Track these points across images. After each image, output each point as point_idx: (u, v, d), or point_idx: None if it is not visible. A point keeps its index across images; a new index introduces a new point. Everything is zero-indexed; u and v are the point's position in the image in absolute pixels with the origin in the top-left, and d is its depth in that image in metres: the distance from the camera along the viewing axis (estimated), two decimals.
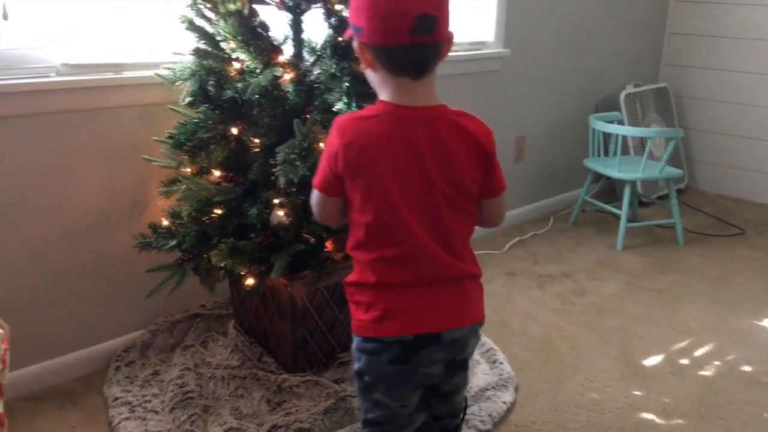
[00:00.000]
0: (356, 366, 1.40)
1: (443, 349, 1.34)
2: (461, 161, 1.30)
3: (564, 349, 2.41)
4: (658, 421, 2.03)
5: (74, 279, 2.13)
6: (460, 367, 1.42)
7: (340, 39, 1.90)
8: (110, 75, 2.07)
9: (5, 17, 1.89)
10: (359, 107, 1.89)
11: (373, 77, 1.32)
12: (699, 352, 2.42)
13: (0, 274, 1.98)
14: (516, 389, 2.14)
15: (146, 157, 2.07)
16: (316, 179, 1.37)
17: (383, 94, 1.31)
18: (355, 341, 1.39)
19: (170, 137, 1.93)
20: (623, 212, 3.31)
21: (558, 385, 2.19)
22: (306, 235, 1.96)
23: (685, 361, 2.35)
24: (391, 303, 1.32)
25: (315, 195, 1.40)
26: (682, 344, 2.47)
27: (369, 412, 1.44)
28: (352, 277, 1.38)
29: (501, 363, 2.24)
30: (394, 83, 1.28)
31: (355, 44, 1.31)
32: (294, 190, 1.89)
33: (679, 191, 4.03)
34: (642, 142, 3.88)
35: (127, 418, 1.92)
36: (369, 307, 1.33)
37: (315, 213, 1.44)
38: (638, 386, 2.20)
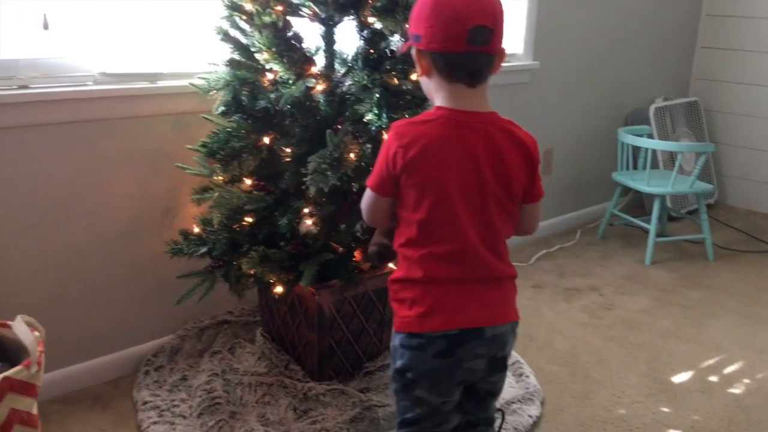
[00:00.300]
0: (398, 364, 1.41)
1: (485, 345, 1.38)
2: (513, 166, 1.37)
3: (591, 364, 2.39)
4: None
5: (107, 284, 2.17)
6: (500, 365, 1.45)
7: (371, 51, 1.92)
8: (145, 84, 2.11)
9: (46, 27, 1.94)
10: (390, 119, 1.91)
11: (429, 84, 1.39)
12: (729, 370, 2.38)
13: (38, 279, 2.02)
14: (542, 403, 2.13)
15: (179, 164, 2.10)
16: (371, 180, 1.41)
17: (438, 100, 1.37)
18: (398, 339, 1.40)
19: (203, 146, 1.96)
20: (652, 226, 3.28)
21: (585, 399, 2.18)
22: (334, 245, 1.98)
23: (714, 379, 2.32)
24: (438, 298, 1.36)
25: (368, 195, 1.44)
26: (712, 361, 2.44)
27: (408, 411, 1.45)
28: (397, 274, 1.41)
29: (527, 376, 2.23)
30: (449, 89, 1.35)
31: (413, 52, 1.38)
32: (324, 200, 1.91)
33: (708, 206, 3.99)
34: (671, 156, 3.85)
35: (155, 422, 1.94)
36: (414, 303, 1.36)
37: (365, 213, 1.49)
38: (666, 403, 2.17)
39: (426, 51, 1.33)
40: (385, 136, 1.90)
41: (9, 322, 1.68)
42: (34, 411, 1.60)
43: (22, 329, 1.59)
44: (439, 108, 1.36)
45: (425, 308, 1.36)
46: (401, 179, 1.35)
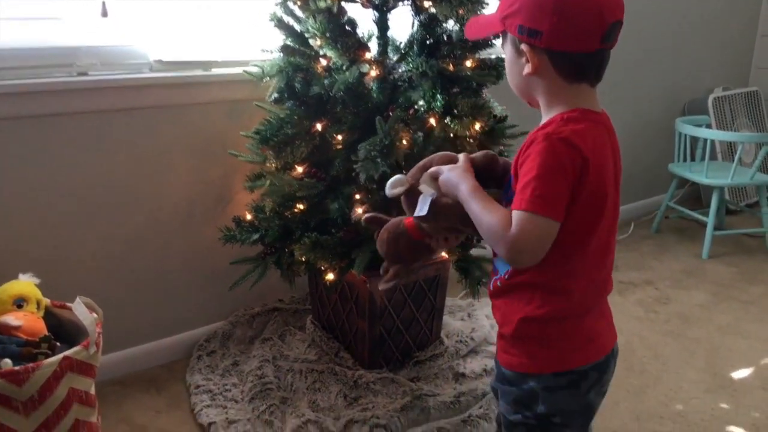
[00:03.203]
0: (539, 410, 1.21)
1: (614, 363, 1.26)
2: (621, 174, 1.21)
3: (647, 358, 2.33)
4: None
5: (162, 270, 2.21)
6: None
7: (428, 36, 1.90)
8: (200, 72, 2.14)
9: (105, 14, 1.97)
10: (444, 105, 1.88)
11: (537, 84, 1.16)
12: None
13: (96, 264, 2.07)
14: None
15: (233, 152, 2.12)
16: (543, 204, 1.06)
17: (558, 103, 1.15)
18: (538, 382, 1.20)
19: (257, 132, 1.97)
20: (710, 219, 3.19)
21: (641, 394, 2.12)
22: None
23: None
24: (586, 327, 1.20)
25: (540, 224, 1.06)
26: None
27: None
28: (538, 311, 1.17)
29: None
30: (572, 90, 1.14)
31: (523, 47, 1.14)
32: (374, 186, 1.90)
33: None
34: (730, 148, 3.73)
35: (208, 406, 1.97)
36: (562, 337, 1.18)
37: (530, 250, 1.09)
38: (726, 399, 2.11)
39: (544, 48, 1.11)
40: (433, 121, 1.88)
41: (68, 304, 1.71)
42: (92, 391, 1.64)
43: (81, 310, 1.62)
44: (568, 111, 1.13)
45: (577, 340, 1.19)
46: (580, 199, 1.09)
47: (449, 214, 1.22)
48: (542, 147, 1.07)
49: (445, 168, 1.24)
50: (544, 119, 1.17)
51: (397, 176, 1.29)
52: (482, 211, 1.13)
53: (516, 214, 1.07)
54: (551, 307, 1.16)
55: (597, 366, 1.21)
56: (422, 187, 1.25)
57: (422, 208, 1.22)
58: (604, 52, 1.13)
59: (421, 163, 1.30)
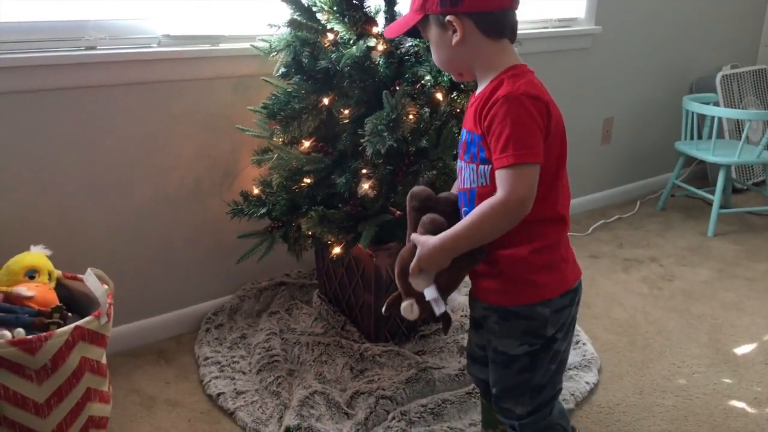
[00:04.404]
0: (548, 332, 1.33)
1: None
2: None
3: (650, 334, 2.35)
4: (750, 410, 1.96)
5: (171, 244, 2.23)
6: None
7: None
8: (207, 47, 2.14)
9: None
10: (451, 80, 1.88)
11: (468, 50, 1.28)
12: None
13: (105, 238, 2.09)
14: (599, 370, 2.11)
15: (240, 126, 2.13)
16: (530, 152, 1.19)
17: (488, 63, 1.29)
18: (550, 306, 1.32)
19: (264, 107, 1.98)
20: (716, 197, 3.19)
21: (643, 368, 2.14)
22: (392, 208, 1.98)
23: None
24: (568, 249, 1.36)
25: (528, 171, 1.20)
26: None
27: (557, 382, 1.42)
28: (545, 242, 1.29)
29: (584, 344, 2.21)
30: (499, 48, 1.28)
31: (448, 18, 1.26)
32: (381, 161, 1.91)
33: None
34: (738, 126, 3.71)
35: (216, 377, 2.00)
36: (559, 263, 1.33)
37: (529, 196, 1.20)
38: (728, 374, 2.12)
39: (467, 13, 1.24)
40: (440, 96, 1.89)
41: (80, 276, 1.74)
42: (103, 361, 1.67)
43: (92, 281, 1.64)
44: (508, 69, 1.27)
45: (570, 261, 1.36)
46: (549, 136, 1.24)
47: (454, 276, 1.33)
48: (508, 106, 1.19)
49: (416, 258, 1.30)
50: (485, 82, 1.29)
51: (404, 305, 1.36)
52: (470, 227, 1.24)
53: (503, 173, 1.20)
54: (553, 235, 1.30)
55: (581, 280, 1.39)
56: (424, 291, 1.31)
57: (439, 306, 1.30)
58: (513, 11, 1.28)
59: (397, 271, 1.36)
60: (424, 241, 1.30)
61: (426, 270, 1.30)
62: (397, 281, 1.37)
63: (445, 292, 1.32)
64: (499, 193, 1.20)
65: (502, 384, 1.41)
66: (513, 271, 1.31)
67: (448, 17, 1.25)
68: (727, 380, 2.09)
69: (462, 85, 1.90)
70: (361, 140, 1.83)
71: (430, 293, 1.30)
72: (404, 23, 1.35)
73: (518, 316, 1.33)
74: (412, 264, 1.30)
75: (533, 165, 1.20)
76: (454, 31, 1.26)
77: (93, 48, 1.95)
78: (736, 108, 3.72)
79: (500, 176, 1.21)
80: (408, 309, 1.34)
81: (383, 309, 1.43)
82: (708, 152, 3.20)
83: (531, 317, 1.32)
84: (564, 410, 1.49)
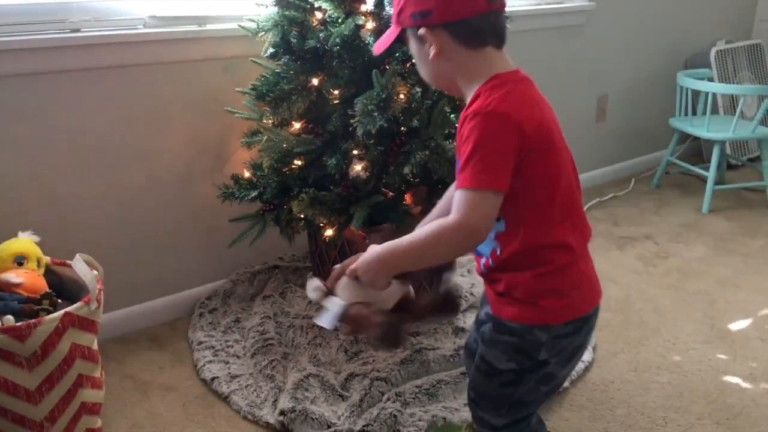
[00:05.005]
0: (541, 356, 1.23)
1: None
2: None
3: (645, 311, 2.34)
4: (744, 385, 1.96)
5: (162, 228, 2.21)
6: None
7: None
8: (194, 27, 2.11)
9: None
10: None
11: (449, 64, 1.19)
12: None
13: (96, 222, 2.07)
14: (594, 348, 2.11)
15: (229, 109, 2.11)
16: (489, 177, 1.08)
17: (471, 76, 1.18)
18: (549, 333, 1.21)
19: (253, 89, 1.96)
20: (711, 174, 3.17)
21: (638, 346, 2.14)
22: (384, 190, 1.97)
23: None
24: (584, 273, 1.24)
25: (489, 200, 1.09)
26: None
27: (543, 401, 1.35)
28: (550, 266, 1.18)
29: None
30: (480, 58, 1.17)
31: (421, 32, 1.17)
32: (372, 142, 1.89)
33: None
34: (732, 102, 3.69)
35: (210, 361, 1.99)
36: (569, 290, 1.21)
37: (481, 227, 1.10)
38: (723, 350, 2.12)
39: (441, 25, 1.15)
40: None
41: (69, 262, 1.72)
42: (94, 347, 1.65)
43: (81, 267, 1.63)
44: (490, 79, 1.15)
45: (583, 288, 1.23)
46: (533, 155, 1.12)
47: (363, 321, 1.18)
48: (473, 124, 1.10)
49: (357, 262, 1.21)
50: (469, 97, 1.18)
51: (315, 283, 1.24)
52: (413, 242, 1.14)
53: (459, 195, 1.10)
54: (562, 260, 1.19)
55: (597, 309, 1.27)
56: (329, 301, 1.21)
57: (326, 320, 1.19)
58: (497, 13, 1.17)
59: (336, 271, 1.26)
60: (370, 247, 1.21)
61: (362, 279, 1.19)
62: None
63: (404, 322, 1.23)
64: (452, 216, 1.10)
65: (480, 390, 1.33)
66: (520, 293, 1.21)
67: (420, 31, 1.17)
68: (722, 356, 2.09)
69: None
70: (352, 121, 1.81)
71: (332, 308, 1.18)
72: (387, 38, 1.27)
73: (513, 332, 1.23)
74: (351, 267, 1.21)
75: (491, 193, 1.09)
76: (431, 45, 1.17)
77: (77, 30, 1.92)
78: (730, 83, 3.70)
79: (456, 198, 1.10)
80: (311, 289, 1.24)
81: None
82: (702, 128, 3.18)
83: (525, 338, 1.22)
84: (539, 417, 1.42)
